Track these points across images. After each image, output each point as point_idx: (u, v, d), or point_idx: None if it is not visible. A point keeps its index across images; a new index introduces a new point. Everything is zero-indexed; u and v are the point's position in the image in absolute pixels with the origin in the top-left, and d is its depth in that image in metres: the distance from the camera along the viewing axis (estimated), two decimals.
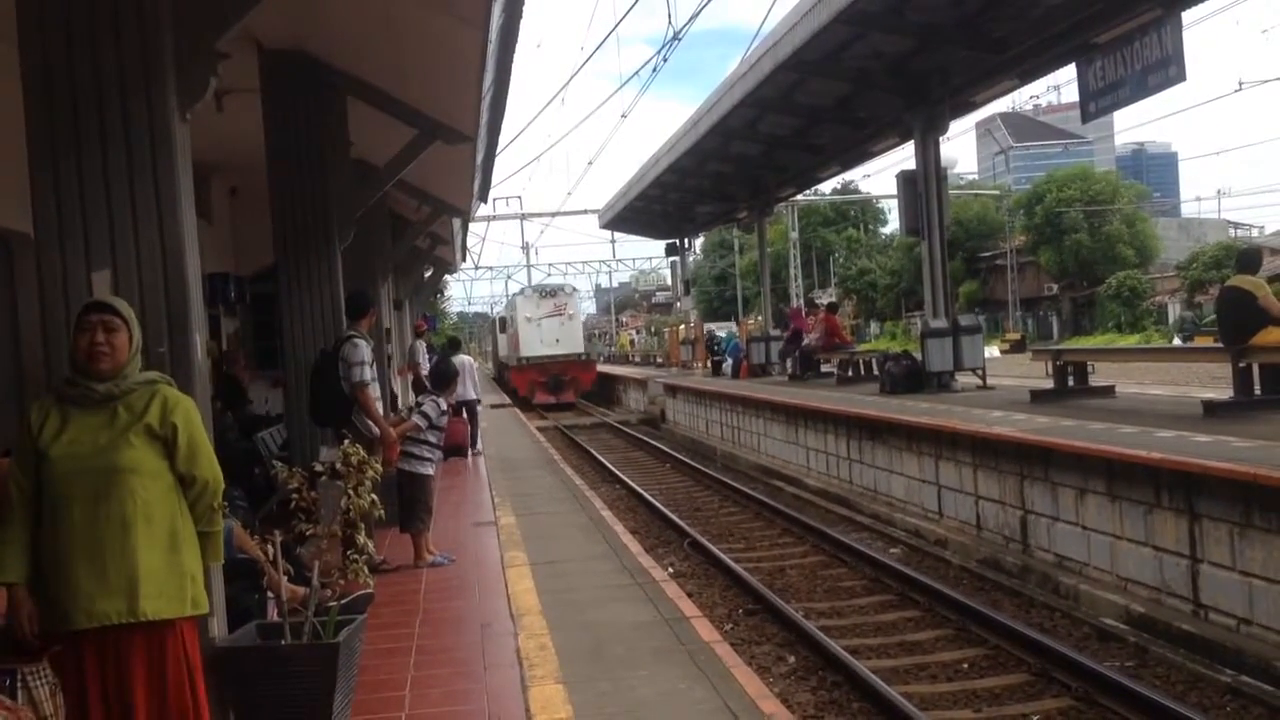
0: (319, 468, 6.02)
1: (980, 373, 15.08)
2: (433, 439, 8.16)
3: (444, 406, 8.25)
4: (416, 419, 8.04)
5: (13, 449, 3.34)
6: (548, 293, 39.73)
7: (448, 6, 6.67)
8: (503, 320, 48.31)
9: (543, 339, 37.47)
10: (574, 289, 42.32)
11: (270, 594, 4.93)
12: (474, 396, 16.53)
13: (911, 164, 15.62)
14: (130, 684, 3.25)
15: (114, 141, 3.84)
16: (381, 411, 8.18)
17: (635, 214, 30.74)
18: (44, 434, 3.26)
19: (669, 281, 61.16)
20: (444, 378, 8.58)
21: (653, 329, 67.85)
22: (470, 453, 15.58)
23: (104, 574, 3.20)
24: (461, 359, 16.67)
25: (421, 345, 17.66)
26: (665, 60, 16.98)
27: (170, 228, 3.88)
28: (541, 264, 55.43)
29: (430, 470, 8.17)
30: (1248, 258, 10.49)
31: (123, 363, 3.37)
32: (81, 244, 3.82)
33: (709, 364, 30.36)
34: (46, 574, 3.25)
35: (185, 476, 3.39)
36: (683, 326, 41.29)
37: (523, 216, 50.11)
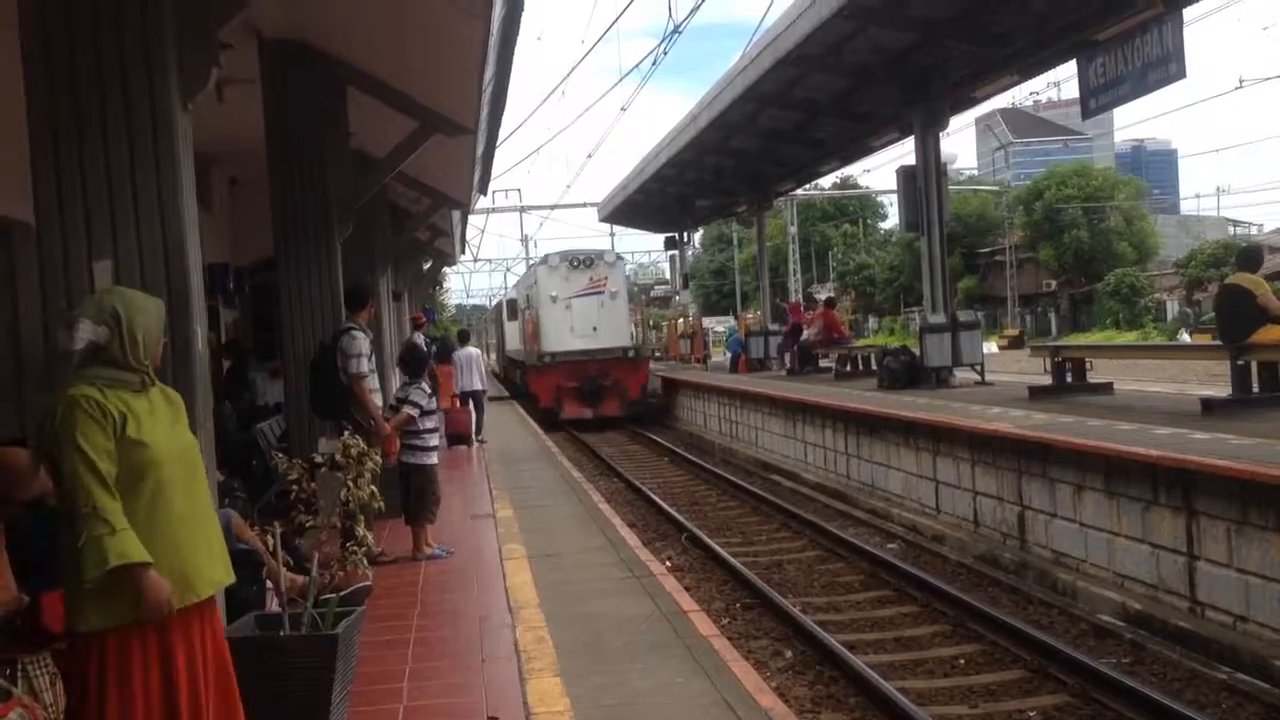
0: (318, 459, 6.03)
1: (978, 368, 15.11)
2: (431, 424, 8.16)
3: (429, 390, 8.25)
4: (408, 410, 8.02)
5: (86, 447, 3.05)
6: (581, 262, 26.86)
7: None
8: (512, 304, 35.71)
9: (574, 327, 26.13)
10: (617, 256, 29.25)
11: (269, 584, 4.94)
12: (479, 387, 16.63)
13: (911, 159, 15.63)
14: (220, 649, 3.35)
15: (116, 131, 3.83)
16: (380, 404, 8.17)
17: (634, 207, 30.70)
18: (129, 423, 3.17)
19: (668, 275, 61.19)
20: (416, 364, 8.51)
21: (651, 322, 67.77)
22: (474, 442, 15.67)
23: (210, 544, 3.34)
24: (469, 351, 16.96)
25: (420, 338, 17.69)
26: (665, 53, 17.01)
27: (172, 218, 3.88)
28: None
29: (434, 459, 8.18)
30: (1248, 255, 10.49)
31: None
32: (83, 233, 3.82)
33: (701, 358, 30.32)
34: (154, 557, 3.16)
35: None
36: (681, 320, 41.31)
37: (522, 209, 49.87)
